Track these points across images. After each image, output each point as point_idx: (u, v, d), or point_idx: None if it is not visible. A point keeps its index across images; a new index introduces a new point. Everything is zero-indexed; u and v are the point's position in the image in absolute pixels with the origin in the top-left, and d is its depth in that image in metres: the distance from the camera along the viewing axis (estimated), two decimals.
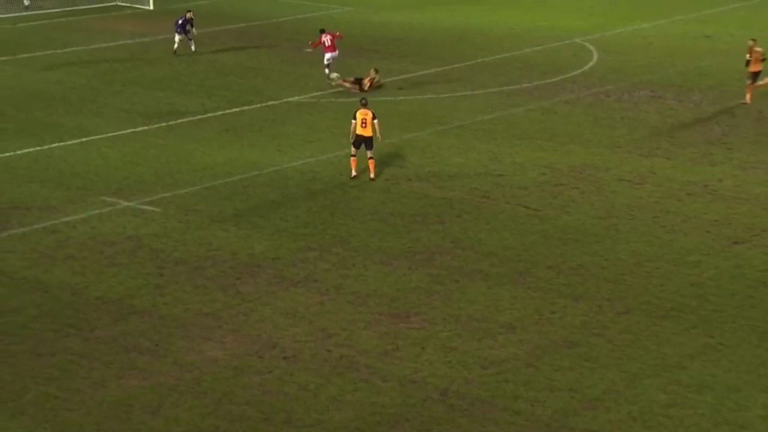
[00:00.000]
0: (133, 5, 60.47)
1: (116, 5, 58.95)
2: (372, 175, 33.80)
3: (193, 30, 51.78)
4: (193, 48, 51.54)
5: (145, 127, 39.22)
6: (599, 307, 25.76)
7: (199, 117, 40.73)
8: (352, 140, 33.80)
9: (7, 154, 36.08)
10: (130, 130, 38.67)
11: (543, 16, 59.65)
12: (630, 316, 25.41)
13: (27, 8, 57.38)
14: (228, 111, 41.56)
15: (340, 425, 20.51)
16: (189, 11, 52.02)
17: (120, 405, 21.07)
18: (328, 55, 45.22)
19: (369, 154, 33.72)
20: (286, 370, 22.52)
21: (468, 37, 54.65)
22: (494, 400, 21.61)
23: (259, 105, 42.68)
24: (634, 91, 45.00)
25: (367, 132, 33.55)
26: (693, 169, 35.66)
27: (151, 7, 60.13)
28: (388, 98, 44.14)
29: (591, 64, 49.06)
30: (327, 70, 45.12)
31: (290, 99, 43.55)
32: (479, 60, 49.32)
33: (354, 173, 33.81)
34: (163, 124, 39.81)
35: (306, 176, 34.70)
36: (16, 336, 23.89)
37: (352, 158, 33.95)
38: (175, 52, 50.76)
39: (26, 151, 36.45)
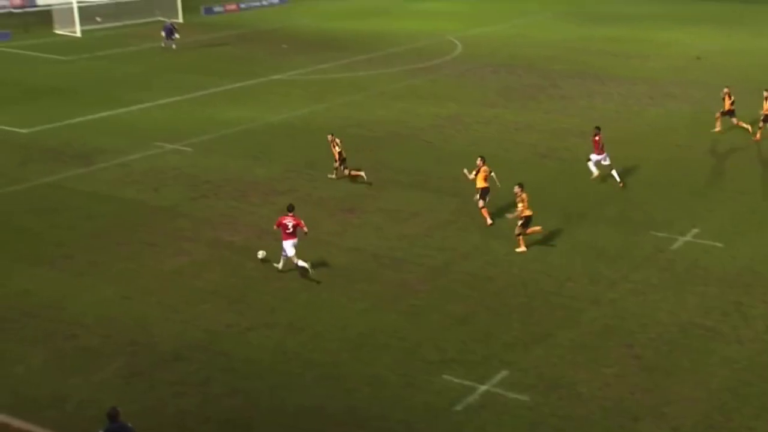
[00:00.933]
0: (169, 19, 59.45)
1: (158, 20, 57.92)
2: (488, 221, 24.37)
3: (176, 35, 49.91)
4: (174, 47, 49.36)
5: (179, 97, 38.70)
6: (467, 200, 25.43)
7: (213, 90, 40.39)
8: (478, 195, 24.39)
9: (90, 117, 35.54)
10: (169, 100, 38.20)
11: (428, 23, 59.36)
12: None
13: (99, 23, 56.14)
14: (232, 86, 41.34)
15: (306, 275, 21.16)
16: (172, 21, 50.82)
17: (173, 273, 21.44)
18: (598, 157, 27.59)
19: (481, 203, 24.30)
20: (277, 247, 22.05)
21: (381, 37, 54.25)
22: (406, 258, 22.31)
23: (253, 81, 42.49)
24: (482, 68, 45.12)
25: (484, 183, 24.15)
26: (520, 114, 36.17)
27: (181, 20, 59.16)
28: (333, 75, 44.12)
29: (457, 52, 49.23)
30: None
31: (273, 77, 43.41)
32: (389, 50, 49.25)
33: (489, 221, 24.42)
34: (189, 95, 39.38)
35: (285, 125, 34.67)
36: (103, 232, 23.91)
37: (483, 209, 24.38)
38: (162, 47, 49.61)
39: (101, 114, 35.88)
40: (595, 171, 27.42)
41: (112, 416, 13.28)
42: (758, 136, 31.92)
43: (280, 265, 21.37)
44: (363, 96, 39.27)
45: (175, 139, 32.42)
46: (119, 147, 31.38)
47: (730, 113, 32.50)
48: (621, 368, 17.29)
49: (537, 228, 22.87)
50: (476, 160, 24.60)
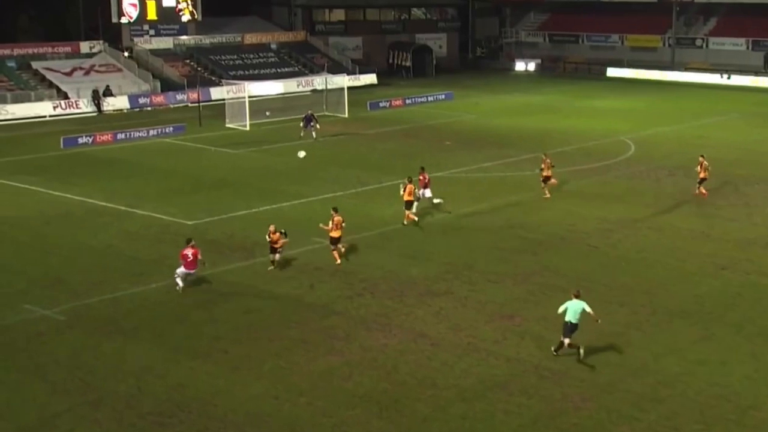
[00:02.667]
0: (335, 114, 61.87)
1: (324, 114, 60.36)
2: None
3: (317, 124, 52.20)
4: (314, 135, 51.61)
5: (341, 192, 39.51)
6: (636, 311, 25.56)
7: (373, 186, 41.09)
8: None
9: (254, 210, 36.72)
10: (331, 194, 39.02)
11: (598, 122, 59.01)
12: (655, 316, 25.20)
13: (268, 117, 58.99)
14: (393, 182, 41.90)
15: (467, 387, 20.79)
16: (310, 111, 53.54)
17: (324, 373, 21.48)
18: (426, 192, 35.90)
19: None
20: (432, 352, 22.69)
21: (549, 135, 54.25)
22: (569, 371, 21.62)
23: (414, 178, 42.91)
24: (656, 170, 44.11)
25: None
26: (694, 221, 34.94)
27: (346, 116, 61.38)
28: (498, 174, 44.19)
29: (630, 152, 48.37)
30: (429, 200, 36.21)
31: (435, 174, 43.72)
32: (556, 149, 49.01)
33: None
34: (350, 191, 40.26)
35: (444, 224, 34.67)
36: (258, 326, 24.33)
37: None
38: (300, 137, 51.55)
39: (264, 207, 36.98)
40: None
41: None
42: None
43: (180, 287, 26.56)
44: (527, 196, 38.99)
45: None
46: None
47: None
48: None
49: None
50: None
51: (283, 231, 28.76)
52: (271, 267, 29.18)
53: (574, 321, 21.95)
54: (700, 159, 38.86)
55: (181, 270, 26.77)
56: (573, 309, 22.03)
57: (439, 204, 36.14)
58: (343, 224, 29.80)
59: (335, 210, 30.01)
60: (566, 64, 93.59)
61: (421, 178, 35.66)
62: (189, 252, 26.55)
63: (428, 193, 35.90)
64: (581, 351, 21.92)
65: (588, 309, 22.00)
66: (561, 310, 22.27)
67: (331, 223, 29.62)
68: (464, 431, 18.77)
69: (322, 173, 43.61)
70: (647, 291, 27.16)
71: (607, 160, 45.80)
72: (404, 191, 33.76)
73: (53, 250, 31.26)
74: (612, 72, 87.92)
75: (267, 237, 29.04)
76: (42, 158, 47.99)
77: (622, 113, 63.54)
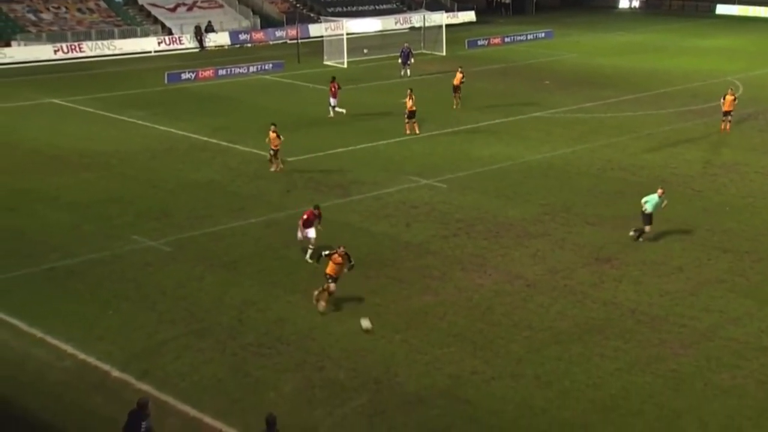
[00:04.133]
0: (433, 52, 61.31)
1: (422, 53, 59.92)
2: None
3: (412, 59, 52.43)
4: (408, 73, 52.02)
5: (437, 132, 39.36)
6: (741, 257, 24.93)
7: (472, 125, 40.83)
8: None
9: (351, 147, 36.89)
10: (427, 134, 38.90)
11: (705, 62, 56.88)
12: (761, 263, 24.51)
13: (365, 54, 58.91)
14: (490, 122, 41.72)
15: (563, 330, 20.75)
16: (407, 44, 53.79)
17: (419, 312, 21.66)
18: (332, 100, 41.50)
19: None
20: (528, 293, 22.68)
21: (653, 75, 52.68)
22: (667, 317, 21.33)
23: (512, 118, 42.59)
24: (766, 113, 42.46)
25: None
26: None
27: (444, 54, 60.76)
28: (598, 115, 43.29)
29: (738, 93, 46.50)
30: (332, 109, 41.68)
31: (534, 114, 43.34)
32: (660, 90, 47.51)
33: None
34: (449, 129, 40.11)
35: (543, 165, 34.42)
36: (355, 262, 23.81)
37: None
38: (401, 76, 51.89)
39: (362, 146, 37.10)
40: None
41: (270, 423, 13.58)
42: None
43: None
44: (629, 138, 38.13)
45: (430, 174, 33.00)
46: (376, 179, 32.37)
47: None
48: None
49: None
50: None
51: (348, 255, 22.16)
52: (273, 168, 32.58)
53: (651, 210, 25.45)
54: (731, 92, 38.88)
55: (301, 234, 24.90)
56: (655, 202, 25.48)
57: (340, 113, 40.67)
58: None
59: (411, 90, 37.49)
60: (672, 2, 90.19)
61: (331, 87, 40.87)
62: (309, 216, 24.64)
63: (333, 101, 40.82)
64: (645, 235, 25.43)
65: (664, 204, 25.73)
66: (644, 200, 25.61)
67: (408, 99, 37.01)
68: (559, 373, 18.75)
69: (420, 112, 43.36)
70: (752, 237, 26.41)
71: (713, 102, 44.23)
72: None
73: (159, 184, 32.19)
74: (721, 9, 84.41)
75: (267, 140, 32.09)
76: (147, 93, 49.18)
77: (730, 53, 61.13)
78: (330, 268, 21.74)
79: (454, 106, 43.47)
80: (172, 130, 40.15)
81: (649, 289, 22.69)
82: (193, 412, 17.28)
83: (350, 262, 21.91)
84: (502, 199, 30.24)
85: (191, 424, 16.93)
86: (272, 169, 32.98)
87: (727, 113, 38.56)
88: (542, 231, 27.11)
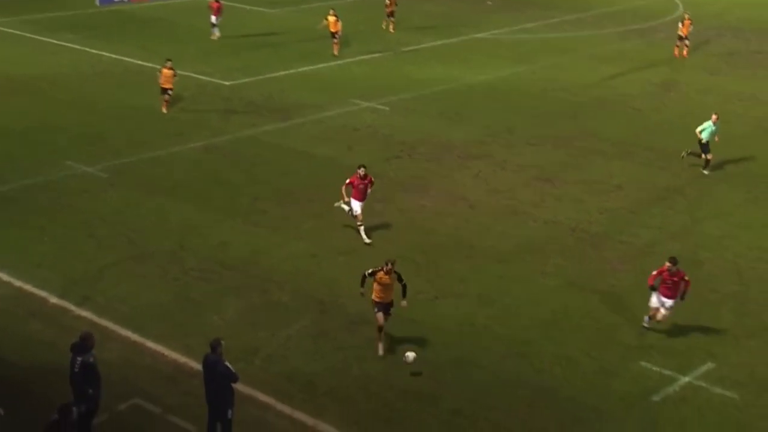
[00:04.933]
0: None
1: None
2: None
3: None
4: None
5: (379, 54, 39.07)
6: (677, 174, 25.35)
7: (413, 47, 40.42)
8: None
9: (291, 71, 36.31)
10: (368, 56, 38.56)
11: None
12: (699, 179, 24.99)
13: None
14: (432, 44, 41.35)
15: (505, 250, 20.99)
16: None
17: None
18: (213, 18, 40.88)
19: None
20: (470, 214, 22.85)
21: None
22: (606, 234, 21.73)
23: (454, 39, 42.22)
24: (705, 31, 42.71)
25: None
26: (743, 84, 34.18)
27: None
28: (540, 35, 43.15)
29: (678, 12, 46.81)
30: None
31: (476, 35, 43.02)
32: (601, 10, 47.61)
33: None
34: (391, 52, 39.72)
35: (485, 86, 34.35)
36: (296, 188, 24.30)
37: None
38: None
39: (302, 69, 36.58)
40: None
41: (213, 347, 13.63)
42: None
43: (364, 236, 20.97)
44: (570, 58, 38.30)
45: (372, 96, 32.75)
46: (317, 102, 32.02)
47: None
48: None
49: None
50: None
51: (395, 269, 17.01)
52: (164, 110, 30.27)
53: (708, 139, 24.86)
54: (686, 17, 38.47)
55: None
56: (711, 130, 24.86)
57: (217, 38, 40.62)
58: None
59: (333, 10, 37.95)
60: None
61: (214, 5, 40.37)
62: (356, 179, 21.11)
63: (214, 19, 40.55)
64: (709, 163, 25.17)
65: (716, 135, 25.03)
66: (699, 129, 25.02)
67: (325, 21, 37.87)
68: (500, 291, 19.03)
69: (360, 35, 42.85)
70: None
71: (653, 21, 44.45)
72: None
73: (92, 109, 31.38)
74: None
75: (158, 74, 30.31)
76: (78, 15, 47.52)
77: None
78: (375, 293, 16.53)
79: (384, 27, 42.83)
80: (106, 53, 39.02)
81: (589, 207, 23.01)
82: (134, 336, 17.17)
83: (401, 281, 16.57)
84: (445, 120, 30.19)
85: (133, 348, 16.83)
86: (165, 110, 30.55)
87: (683, 38, 38.44)
88: (484, 152, 27.20)
